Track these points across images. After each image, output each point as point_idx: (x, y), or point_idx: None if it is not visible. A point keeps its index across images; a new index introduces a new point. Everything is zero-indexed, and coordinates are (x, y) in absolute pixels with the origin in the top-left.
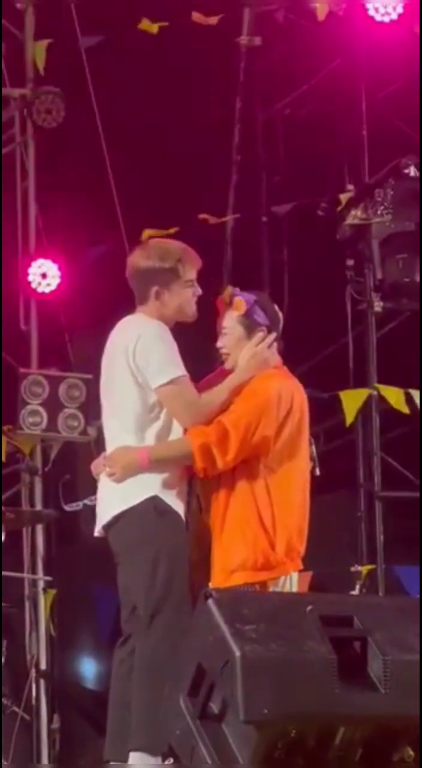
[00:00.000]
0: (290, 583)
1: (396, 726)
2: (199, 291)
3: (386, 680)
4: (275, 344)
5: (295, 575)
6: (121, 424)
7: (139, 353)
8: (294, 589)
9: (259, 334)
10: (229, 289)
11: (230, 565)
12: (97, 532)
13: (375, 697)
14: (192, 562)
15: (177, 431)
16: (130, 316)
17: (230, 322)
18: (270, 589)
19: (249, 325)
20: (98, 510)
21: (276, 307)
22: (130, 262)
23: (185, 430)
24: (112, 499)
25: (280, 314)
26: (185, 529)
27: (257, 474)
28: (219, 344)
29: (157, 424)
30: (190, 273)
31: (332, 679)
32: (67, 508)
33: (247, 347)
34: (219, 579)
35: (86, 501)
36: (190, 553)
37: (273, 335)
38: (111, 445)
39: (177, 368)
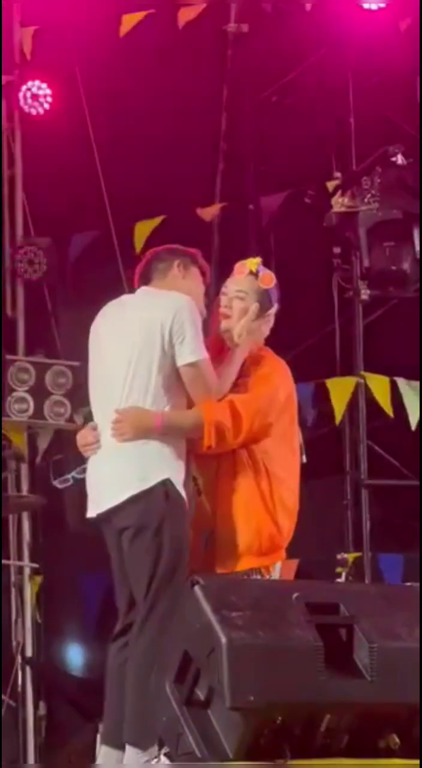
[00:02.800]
0: (278, 567)
1: (382, 713)
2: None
3: (372, 667)
4: (270, 322)
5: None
6: (137, 397)
7: (176, 328)
8: (277, 574)
9: (254, 306)
10: (258, 260)
11: (236, 550)
12: (95, 512)
13: (361, 684)
14: (191, 546)
15: None
16: (149, 288)
17: (248, 290)
18: (271, 574)
19: (265, 301)
20: (99, 489)
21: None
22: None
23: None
24: (120, 479)
25: None
26: (188, 516)
27: (257, 458)
28: (223, 304)
29: (167, 408)
30: (204, 269)
31: (318, 667)
32: (56, 484)
33: (244, 322)
34: (225, 564)
35: (74, 474)
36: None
37: (273, 315)
38: (108, 417)
39: (204, 349)
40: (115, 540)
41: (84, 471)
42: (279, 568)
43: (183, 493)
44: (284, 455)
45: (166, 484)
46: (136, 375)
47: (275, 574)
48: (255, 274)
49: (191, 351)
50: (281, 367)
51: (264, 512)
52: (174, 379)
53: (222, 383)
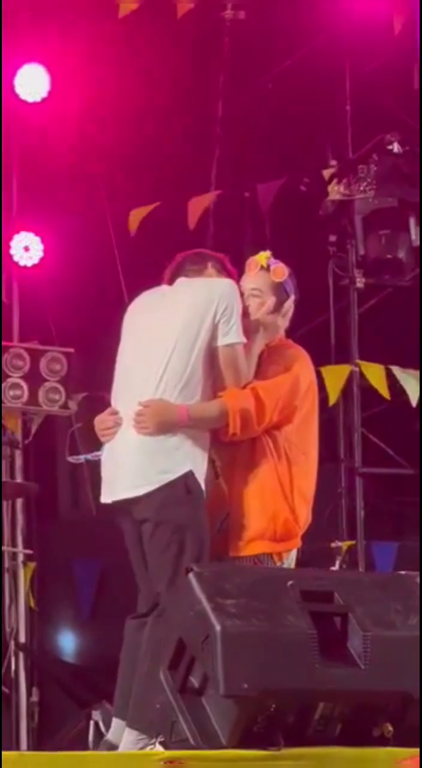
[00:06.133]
0: (294, 556)
1: (375, 701)
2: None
3: (366, 656)
4: (289, 314)
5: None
6: (165, 386)
7: (222, 308)
8: (292, 563)
9: (269, 301)
10: (267, 253)
11: (249, 533)
12: (111, 499)
13: (354, 672)
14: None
15: None
16: (186, 279)
17: (263, 286)
18: (284, 561)
19: (280, 294)
20: (116, 476)
21: (295, 281)
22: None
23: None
24: (141, 471)
25: None
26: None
27: (278, 444)
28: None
29: (195, 399)
30: (231, 274)
31: (312, 655)
32: (70, 459)
33: (259, 316)
34: (237, 547)
35: (88, 456)
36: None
37: (291, 305)
38: (139, 397)
39: (243, 335)
40: (134, 529)
41: (98, 455)
42: (293, 557)
43: (203, 486)
44: (305, 443)
45: (187, 478)
46: (175, 354)
47: (288, 561)
48: (266, 269)
49: (234, 332)
50: (302, 356)
51: (282, 499)
52: (209, 362)
53: (250, 372)
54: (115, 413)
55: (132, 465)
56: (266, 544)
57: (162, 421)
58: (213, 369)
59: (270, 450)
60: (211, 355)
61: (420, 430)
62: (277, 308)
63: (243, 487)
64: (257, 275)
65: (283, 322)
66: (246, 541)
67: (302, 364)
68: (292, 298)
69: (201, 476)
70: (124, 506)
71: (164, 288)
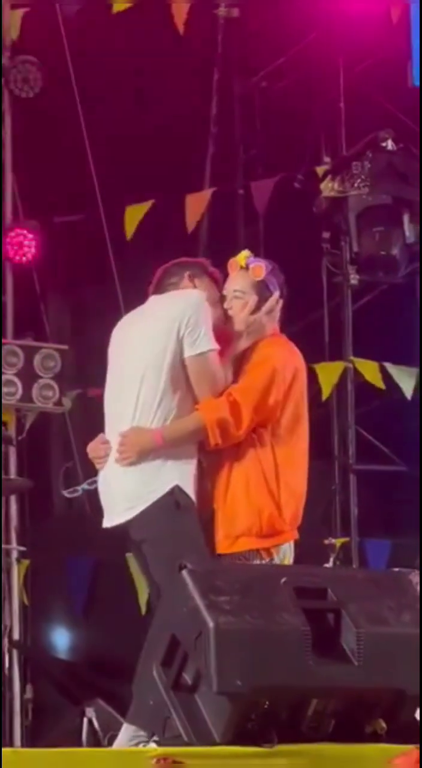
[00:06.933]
0: (290, 551)
1: (368, 698)
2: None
3: (359, 652)
4: (276, 311)
5: (291, 544)
6: (142, 404)
7: (185, 320)
8: (291, 559)
9: (251, 300)
10: (246, 253)
11: (235, 530)
12: (109, 524)
13: (348, 669)
14: None
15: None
16: (157, 296)
17: (244, 286)
18: (274, 557)
19: (263, 292)
20: (111, 502)
21: (283, 277)
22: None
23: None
24: (130, 493)
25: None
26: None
27: (264, 441)
28: (224, 305)
29: (172, 414)
30: (215, 277)
31: (305, 651)
32: (66, 494)
33: (242, 316)
34: (223, 545)
35: (85, 485)
36: None
37: (275, 302)
38: (120, 424)
39: (214, 342)
40: (138, 551)
41: (94, 482)
42: (289, 552)
43: (193, 497)
44: (293, 437)
45: (174, 493)
46: (146, 376)
47: (280, 557)
48: (246, 268)
49: (201, 341)
50: (284, 345)
51: (267, 494)
52: (183, 376)
53: (228, 376)
54: (106, 442)
55: (122, 489)
56: (253, 540)
57: (141, 450)
58: (189, 382)
59: (255, 447)
60: (184, 368)
61: (420, 430)
62: (259, 307)
63: (229, 484)
64: (238, 276)
65: (269, 320)
66: (234, 538)
67: (283, 354)
68: (276, 294)
69: (190, 488)
70: (122, 529)
71: (141, 308)
